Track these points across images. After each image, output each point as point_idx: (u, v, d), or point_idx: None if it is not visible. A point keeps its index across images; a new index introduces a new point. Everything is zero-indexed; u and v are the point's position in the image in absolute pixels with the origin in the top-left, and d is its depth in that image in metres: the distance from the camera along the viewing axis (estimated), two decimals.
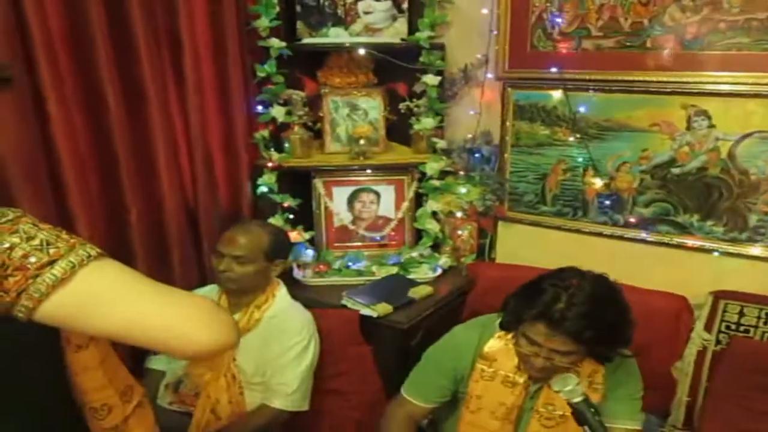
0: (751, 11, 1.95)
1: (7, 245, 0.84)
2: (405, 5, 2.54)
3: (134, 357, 2.07)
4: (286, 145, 2.51)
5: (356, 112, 2.60)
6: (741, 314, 2.05)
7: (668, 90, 2.13)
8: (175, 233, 2.24)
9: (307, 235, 2.52)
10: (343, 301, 2.26)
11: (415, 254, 2.55)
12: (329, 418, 2.17)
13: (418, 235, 2.63)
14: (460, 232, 2.56)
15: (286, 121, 2.48)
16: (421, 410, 1.80)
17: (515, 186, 2.49)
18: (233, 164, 2.43)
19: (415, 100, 2.52)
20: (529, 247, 2.50)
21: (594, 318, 1.51)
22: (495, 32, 2.39)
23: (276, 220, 2.47)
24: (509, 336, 1.70)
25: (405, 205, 2.60)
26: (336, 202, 2.58)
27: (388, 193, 2.61)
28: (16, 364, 0.97)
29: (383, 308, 2.19)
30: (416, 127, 2.52)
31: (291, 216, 2.52)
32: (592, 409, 1.49)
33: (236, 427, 1.98)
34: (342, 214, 2.59)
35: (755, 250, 2.11)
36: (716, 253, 2.16)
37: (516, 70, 2.39)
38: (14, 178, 1.70)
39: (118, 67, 1.96)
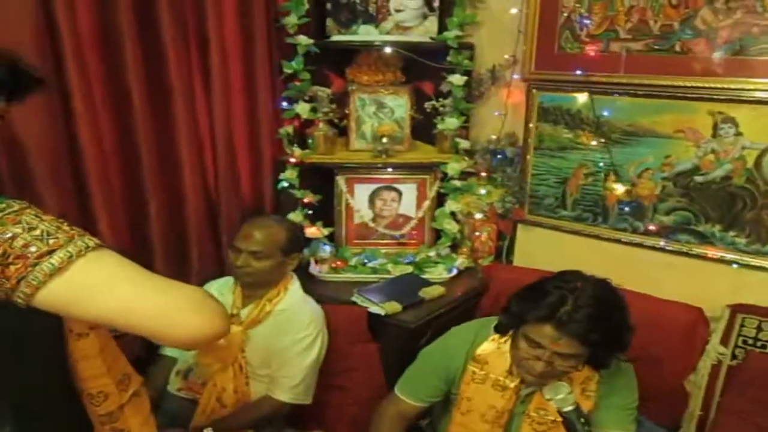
0: None
1: (9, 235, 0.89)
2: (436, 4, 2.53)
3: (149, 344, 2.14)
4: (310, 141, 2.54)
5: (383, 110, 2.61)
6: (759, 329, 1.97)
7: (695, 95, 2.07)
8: (195, 228, 2.29)
9: (325, 231, 2.54)
10: (353, 298, 2.27)
11: (432, 254, 2.55)
12: (331, 413, 2.19)
13: (438, 235, 2.62)
14: (478, 234, 2.54)
15: (310, 118, 2.51)
16: (413, 409, 1.81)
17: (536, 189, 2.46)
18: (257, 159, 2.48)
19: (441, 99, 2.52)
20: (547, 251, 2.47)
21: (600, 320, 1.50)
22: (523, 33, 2.37)
23: (296, 216, 2.50)
24: (503, 339, 1.69)
25: (426, 204, 2.59)
26: (357, 199, 2.60)
27: (410, 191, 2.62)
28: (21, 350, 1.02)
29: (392, 307, 2.19)
30: (440, 126, 2.52)
31: (311, 212, 2.55)
32: (582, 419, 1.48)
33: (239, 415, 2.02)
34: (363, 211, 2.61)
35: None
36: (735, 265, 2.08)
37: (542, 72, 2.36)
38: (38, 171, 1.78)
39: (144, 65, 2.02)
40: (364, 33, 2.54)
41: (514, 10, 2.39)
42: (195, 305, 0.96)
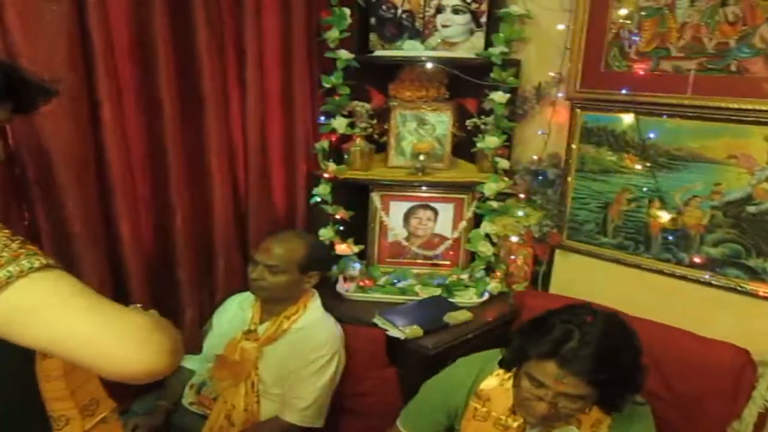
0: None
1: None
2: (483, 19, 2.47)
3: None
4: (346, 156, 2.51)
5: (424, 127, 2.56)
6: None
7: (751, 119, 1.91)
8: (222, 240, 2.27)
9: (356, 248, 2.49)
10: (375, 320, 2.20)
11: (464, 277, 2.45)
12: None
13: (473, 257, 2.52)
14: (514, 258, 2.43)
15: (347, 133, 2.48)
16: None
17: (576, 213, 2.32)
18: (291, 173, 2.47)
19: (483, 117, 2.44)
20: (585, 279, 2.33)
21: (608, 358, 1.38)
22: (569, 49, 2.27)
23: (327, 231, 2.47)
24: (507, 375, 1.58)
25: (462, 224, 2.50)
26: (392, 216, 2.54)
27: (446, 211, 2.53)
28: None
29: (412, 331, 2.10)
30: (480, 145, 2.43)
31: (342, 228, 2.51)
32: None
33: None
34: (397, 230, 2.54)
35: None
36: None
37: (587, 90, 2.24)
38: (62, 178, 1.79)
39: (177, 75, 2.03)
40: (410, 48, 2.50)
41: (561, 26, 2.29)
42: (139, 337, 0.89)
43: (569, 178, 2.32)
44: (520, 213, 2.36)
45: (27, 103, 1.15)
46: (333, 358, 2.02)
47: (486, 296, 2.39)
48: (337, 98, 2.46)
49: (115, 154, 1.90)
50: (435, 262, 2.57)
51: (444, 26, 2.49)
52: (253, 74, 2.24)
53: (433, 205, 2.54)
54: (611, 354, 1.38)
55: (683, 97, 2.03)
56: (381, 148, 2.58)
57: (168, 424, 2.04)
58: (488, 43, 2.45)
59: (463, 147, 2.55)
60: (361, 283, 2.43)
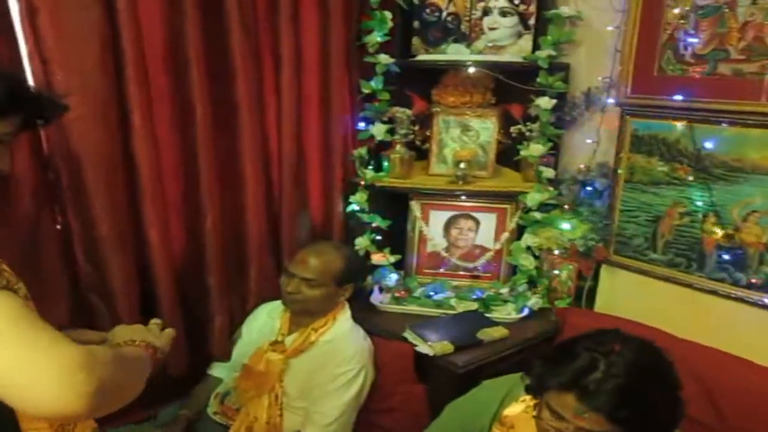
0: None
1: None
2: (532, 22, 2.36)
3: (194, 362, 2.16)
4: (386, 163, 2.44)
5: (467, 133, 2.46)
6: None
7: None
8: (255, 246, 2.24)
9: (392, 258, 2.41)
10: (405, 334, 2.11)
11: (504, 291, 2.34)
12: None
13: (515, 270, 2.40)
14: (557, 272, 2.29)
15: (386, 140, 2.41)
16: None
17: (624, 227, 2.17)
18: (327, 180, 2.42)
19: (529, 123, 2.32)
20: (632, 297, 2.17)
21: (635, 393, 1.25)
22: (620, 52, 2.13)
23: (363, 240, 2.40)
24: (533, 402, 1.46)
25: (504, 236, 2.39)
26: (432, 226, 2.44)
27: (488, 221, 2.43)
28: None
29: (442, 347, 2.01)
30: (523, 152, 2.31)
31: (379, 237, 2.43)
32: None
33: None
34: (436, 240, 2.44)
35: None
36: None
37: (639, 96, 2.10)
38: (91, 180, 1.80)
39: (210, 81, 2.01)
40: (454, 52, 2.41)
41: (610, 28, 2.15)
42: (62, 376, 0.83)
43: (617, 190, 2.17)
44: (565, 225, 2.22)
45: (36, 118, 1.14)
46: (360, 373, 1.95)
47: (526, 312, 2.27)
48: (376, 104, 2.40)
49: (144, 159, 1.90)
50: (475, 274, 2.46)
51: (491, 29, 2.40)
52: (289, 79, 2.21)
53: (474, 214, 2.44)
54: (639, 388, 1.25)
55: (743, 104, 1.86)
56: (421, 155, 2.50)
57: None
58: (536, 47, 2.34)
59: (509, 155, 2.44)
60: (397, 294, 2.35)
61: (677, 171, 2.02)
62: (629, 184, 2.15)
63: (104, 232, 1.85)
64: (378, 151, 2.47)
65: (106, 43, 1.75)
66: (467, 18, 2.43)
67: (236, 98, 2.09)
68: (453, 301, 2.31)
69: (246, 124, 2.12)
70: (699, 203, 1.98)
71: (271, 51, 2.19)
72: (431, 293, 2.36)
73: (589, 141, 2.28)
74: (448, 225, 2.46)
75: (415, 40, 2.48)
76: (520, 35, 2.38)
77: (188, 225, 2.12)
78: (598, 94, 2.26)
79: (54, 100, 1.18)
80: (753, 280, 1.89)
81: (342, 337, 2.00)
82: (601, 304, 2.28)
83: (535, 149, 2.27)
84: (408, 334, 2.11)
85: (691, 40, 1.96)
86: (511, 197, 2.37)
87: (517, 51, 2.37)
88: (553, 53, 2.26)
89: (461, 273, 2.46)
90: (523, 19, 2.36)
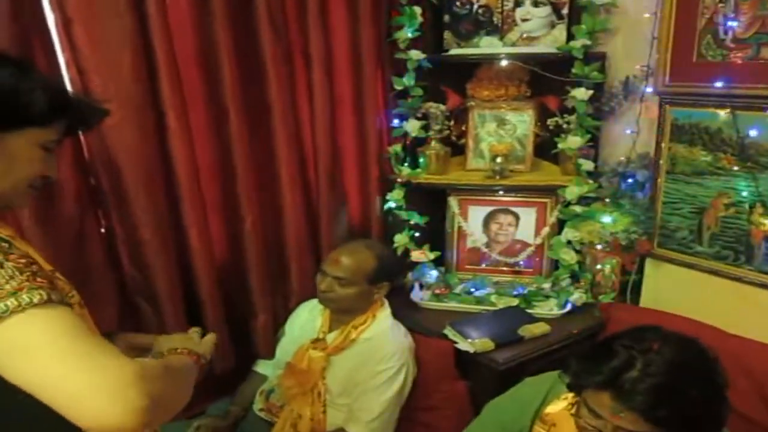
0: None
1: None
2: (565, 11, 2.31)
3: (240, 358, 2.19)
4: (422, 160, 2.42)
5: (504, 127, 2.43)
6: None
7: None
8: (294, 246, 2.26)
9: (431, 255, 2.40)
10: (445, 330, 2.11)
11: (546, 286, 2.31)
12: None
13: (558, 265, 2.36)
14: (600, 267, 2.25)
15: (420, 136, 2.40)
16: None
17: (667, 219, 2.12)
18: (363, 178, 2.42)
19: (566, 115, 2.28)
20: (678, 291, 2.12)
21: (674, 393, 1.21)
22: (657, 39, 2.07)
23: (401, 238, 2.40)
24: (575, 399, 1.44)
25: (545, 230, 2.36)
26: (471, 222, 2.43)
27: (528, 215, 2.40)
28: None
29: (483, 344, 1.99)
30: (561, 145, 2.27)
31: (417, 234, 2.42)
32: None
33: None
34: (476, 236, 2.42)
35: None
36: None
37: (677, 84, 2.03)
38: (131, 186, 1.85)
39: (242, 81, 2.02)
40: (487, 45, 2.38)
41: (647, 14, 2.09)
42: (114, 390, 0.84)
43: (659, 181, 2.12)
44: (607, 219, 2.18)
45: (78, 124, 1.16)
46: (401, 370, 1.96)
47: (568, 307, 2.23)
48: (409, 100, 2.38)
49: (181, 163, 1.93)
50: (517, 269, 2.44)
51: (523, 20, 2.36)
52: (321, 79, 2.21)
53: (514, 209, 2.41)
54: (678, 388, 1.20)
55: None
56: (458, 150, 2.48)
57: (233, 429, 2.05)
58: (570, 36, 2.29)
59: (548, 147, 2.40)
60: (437, 291, 2.34)
61: (721, 161, 1.95)
62: (671, 175, 2.09)
63: (147, 235, 1.90)
64: (413, 147, 2.46)
65: (138, 49, 1.79)
66: (499, 10, 2.39)
67: (269, 100, 2.11)
68: (493, 297, 2.29)
69: (279, 126, 2.14)
70: (745, 194, 1.91)
71: (301, 51, 2.20)
72: (472, 289, 2.34)
73: (628, 131, 2.22)
74: (488, 220, 2.44)
75: (447, 35, 2.45)
76: (553, 25, 2.34)
77: (228, 227, 2.15)
78: (636, 83, 2.20)
79: (94, 106, 1.20)
80: None
81: (382, 335, 2.01)
82: (646, 299, 2.23)
83: (573, 141, 2.23)
84: (448, 331, 2.10)
85: (731, 23, 1.89)
86: (550, 191, 2.34)
87: (551, 41, 2.33)
88: (588, 42, 2.21)
89: (503, 268, 2.44)
90: (556, 8, 2.32)
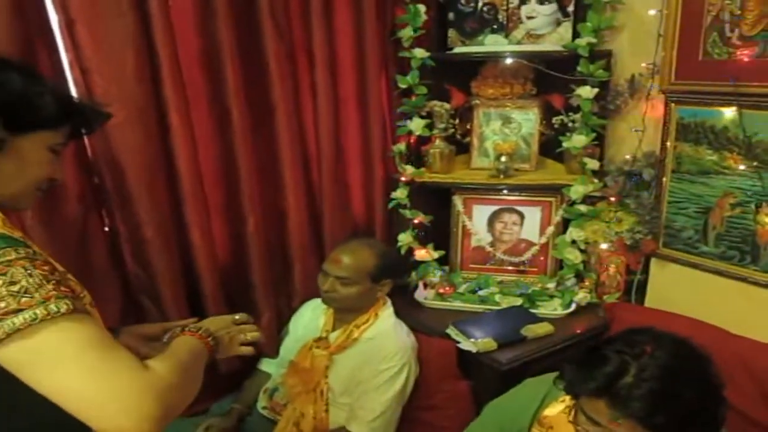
0: None
1: None
2: (571, 8, 2.29)
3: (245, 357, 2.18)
4: (426, 158, 2.41)
5: (509, 125, 2.42)
6: None
7: None
8: (297, 246, 2.26)
9: (435, 254, 2.39)
10: (447, 330, 2.10)
11: (550, 285, 2.29)
12: None
13: (562, 264, 2.34)
14: (605, 266, 2.23)
15: (424, 134, 2.39)
16: None
17: (672, 219, 2.10)
18: (368, 177, 2.42)
19: (571, 114, 2.26)
20: (684, 291, 2.10)
21: (670, 398, 1.19)
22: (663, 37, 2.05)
23: (405, 237, 2.39)
24: (573, 402, 1.43)
25: (550, 229, 2.34)
26: (475, 221, 2.42)
27: (533, 214, 2.38)
28: None
29: (485, 344, 1.99)
30: (566, 144, 2.25)
31: (421, 233, 2.42)
32: None
33: None
34: (480, 234, 2.42)
35: None
36: None
37: (683, 82, 2.02)
38: (134, 185, 1.85)
39: (246, 82, 2.03)
40: (492, 43, 2.37)
41: (652, 12, 2.07)
42: (128, 400, 0.88)
43: (664, 180, 2.10)
44: (612, 218, 2.16)
45: (82, 127, 1.18)
46: (403, 369, 1.95)
47: (573, 307, 2.22)
48: (413, 99, 2.38)
49: (184, 163, 1.94)
50: (522, 269, 2.43)
51: (529, 18, 2.35)
52: (324, 78, 2.21)
53: (518, 208, 2.40)
54: (674, 392, 1.19)
55: None
56: (462, 149, 2.47)
57: (237, 427, 2.06)
58: (576, 34, 2.27)
59: (553, 146, 2.39)
60: (441, 291, 2.33)
61: (727, 160, 1.94)
62: (677, 175, 2.07)
63: (149, 234, 1.90)
64: (418, 146, 2.45)
65: (141, 49, 1.80)
66: (504, 7, 2.38)
67: (272, 99, 2.10)
68: (497, 297, 2.28)
69: (283, 125, 2.14)
70: (751, 193, 1.89)
71: (305, 50, 2.20)
72: (476, 289, 2.34)
73: (634, 130, 2.20)
74: (492, 219, 2.43)
75: (451, 32, 2.44)
76: (558, 23, 2.32)
77: (231, 227, 2.16)
78: (642, 81, 2.18)
79: (97, 109, 1.22)
80: None
81: (384, 334, 2.01)
82: (651, 299, 2.21)
83: (578, 140, 2.22)
84: (451, 331, 2.10)
85: (737, 21, 1.87)
86: (555, 190, 2.32)
87: (556, 39, 2.32)
88: (594, 40, 2.19)
89: (507, 268, 2.43)
90: (561, 6, 2.30)
